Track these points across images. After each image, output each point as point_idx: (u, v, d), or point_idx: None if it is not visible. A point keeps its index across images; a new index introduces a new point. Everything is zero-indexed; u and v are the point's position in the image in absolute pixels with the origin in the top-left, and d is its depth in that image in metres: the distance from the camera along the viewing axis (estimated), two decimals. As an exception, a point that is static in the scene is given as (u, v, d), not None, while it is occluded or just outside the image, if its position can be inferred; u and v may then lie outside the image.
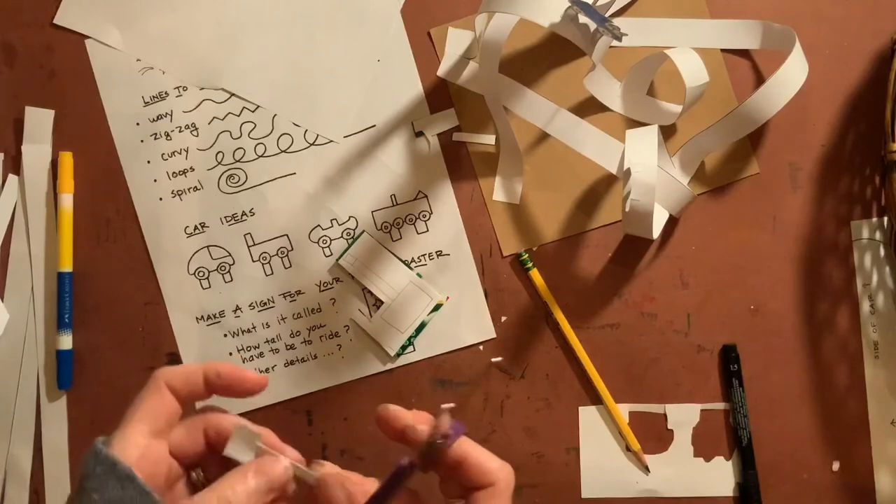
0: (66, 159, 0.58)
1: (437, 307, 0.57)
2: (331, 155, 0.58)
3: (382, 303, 0.58)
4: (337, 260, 0.58)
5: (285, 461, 0.36)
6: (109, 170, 0.59)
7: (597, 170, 0.56)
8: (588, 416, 0.57)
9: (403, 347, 0.58)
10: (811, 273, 0.56)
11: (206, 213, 0.59)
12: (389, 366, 0.58)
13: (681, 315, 0.57)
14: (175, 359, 0.59)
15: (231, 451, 0.36)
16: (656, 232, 0.54)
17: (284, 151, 0.59)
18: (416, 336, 0.58)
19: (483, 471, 0.36)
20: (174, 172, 0.59)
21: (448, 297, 0.58)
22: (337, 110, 0.58)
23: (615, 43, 0.47)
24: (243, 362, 0.59)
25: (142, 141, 0.59)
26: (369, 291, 0.58)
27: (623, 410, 0.57)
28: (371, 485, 0.35)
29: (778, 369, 0.56)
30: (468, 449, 0.36)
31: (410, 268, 0.58)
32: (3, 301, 0.59)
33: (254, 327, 0.59)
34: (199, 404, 0.40)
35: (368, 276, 0.58)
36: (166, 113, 0.59)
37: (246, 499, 0.34)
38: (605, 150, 0.54)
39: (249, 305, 0.59)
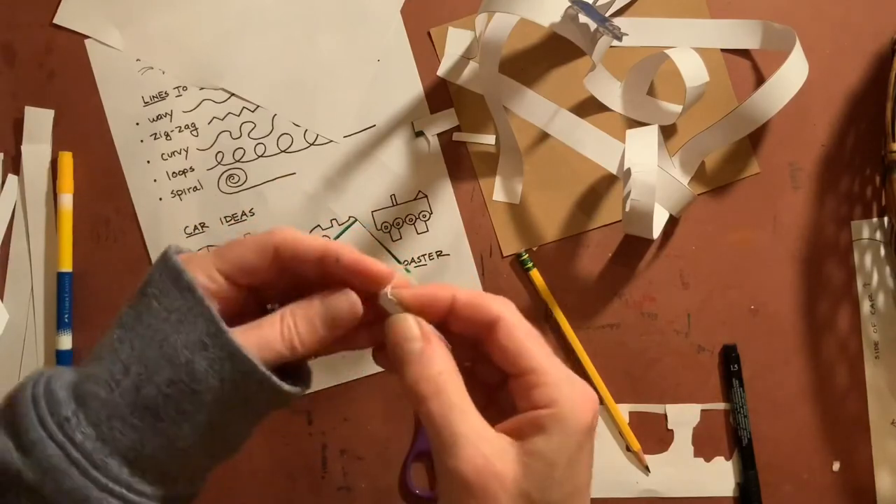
0: (66, 159, 0.58)
1: None
2: (331, 155, 0.58)
3: None
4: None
5: (352, 296, 0.33)
6: (109, 170, 0.59)
7: (597, 170, 0.56)
8: (588, 417, 0.57)
9: None
10: (811, 273, 0.56)
11: (205, 213, 0.59)
12: (389, 366, 0.58)
13: (681, 315, 0.57)
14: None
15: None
16: (656, 232, 0.54)
17: (284, 151, 0.59)
18: None
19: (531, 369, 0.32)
20: (174, 172, 0.59)
21: None
22: (337, 110, 0.58)
23: (615, 43, 0.47)
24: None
25: (141, 141, 0.59)
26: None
27: (623, 410, 0.57)
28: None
29: (778, 369, 0.56)
30: (516, 335, 0.32)
31: (400, 262, 0.58)
32: (3, 301, 0.59)
33: (254, 327, 0.59)
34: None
35: None
36: (166, 113, 0.59)
37: (307, 326, 0.33)
38: (605, 150, 0.54)
39: (249, 305, 0.59)
